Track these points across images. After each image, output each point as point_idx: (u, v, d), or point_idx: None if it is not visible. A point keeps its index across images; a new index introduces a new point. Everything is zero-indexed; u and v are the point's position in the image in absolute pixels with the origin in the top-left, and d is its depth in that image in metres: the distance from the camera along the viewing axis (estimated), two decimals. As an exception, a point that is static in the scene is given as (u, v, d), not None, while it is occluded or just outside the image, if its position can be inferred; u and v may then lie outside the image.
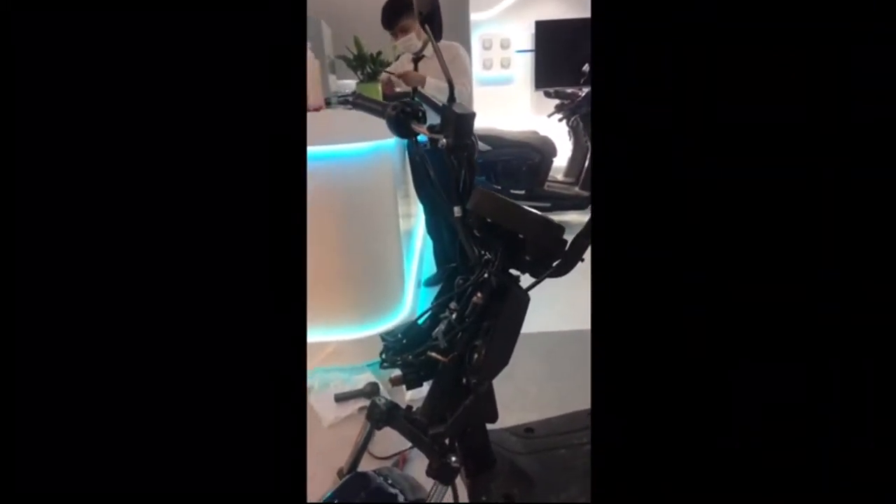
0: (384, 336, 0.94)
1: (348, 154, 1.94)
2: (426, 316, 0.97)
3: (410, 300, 2.36)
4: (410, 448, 1.98)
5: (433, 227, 2.71)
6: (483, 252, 0.87)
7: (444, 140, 0.83)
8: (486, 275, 0.83)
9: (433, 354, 0.86)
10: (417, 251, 2.84)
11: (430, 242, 2.89)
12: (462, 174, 0.89)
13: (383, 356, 0.92)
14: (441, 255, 2.77)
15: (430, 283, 2.82)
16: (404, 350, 0.89)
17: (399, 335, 0.90)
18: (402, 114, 0.89)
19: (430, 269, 2.92)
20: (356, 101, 0.94)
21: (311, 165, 1.89)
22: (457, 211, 0.92)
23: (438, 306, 0.95)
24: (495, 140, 3.41)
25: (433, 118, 0.92)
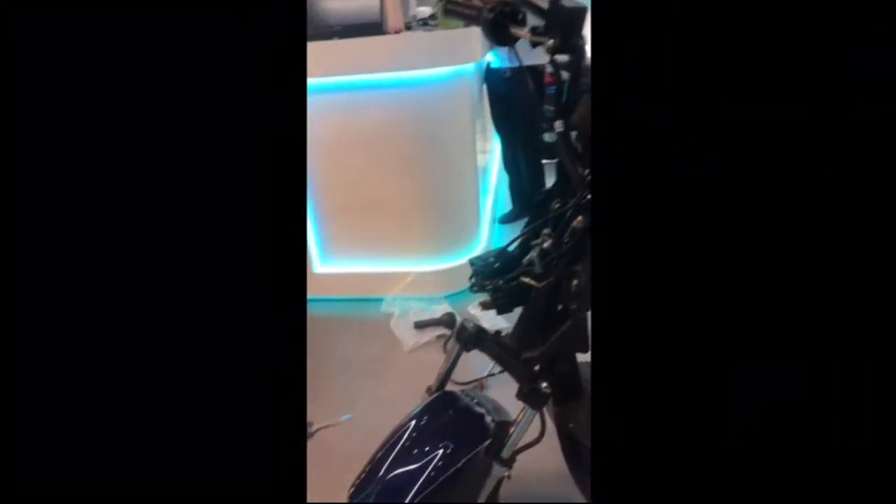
0: (473, 261, 0.91)
1: (427, 80, 1.85)
2: (516, 243, 0.92)
3: (486, 236, 2.33)
4: (487, 376, 2.02)
5: (510, 161, 2.60)
6: (586, 171, 0.79)
7: (550, 42, 0.73)
8: (587, 196, 0.76)
9: (526, 280, 0.82)
10: (492, 188, 2.76)
11: (504, 179, 2.80)
12: (567, 83, 0.79)
13: (472, 280, 0.89)
14: (517, 190, 2.68)
15: (505, 220, 2.76)
16: (495, 275, 0.86)
17: (491, 259, 0.87)
18: (500, 16, 0.80)
19: (505, 206, 2.84)
20: (448, 7, 0.85)
21: (388, 92, 1.83)
22: (558, 125, 0.83)
23: (530, 232, 0.90)
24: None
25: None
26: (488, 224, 2.44)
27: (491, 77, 2.33)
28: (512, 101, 2.31)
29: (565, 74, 0.78)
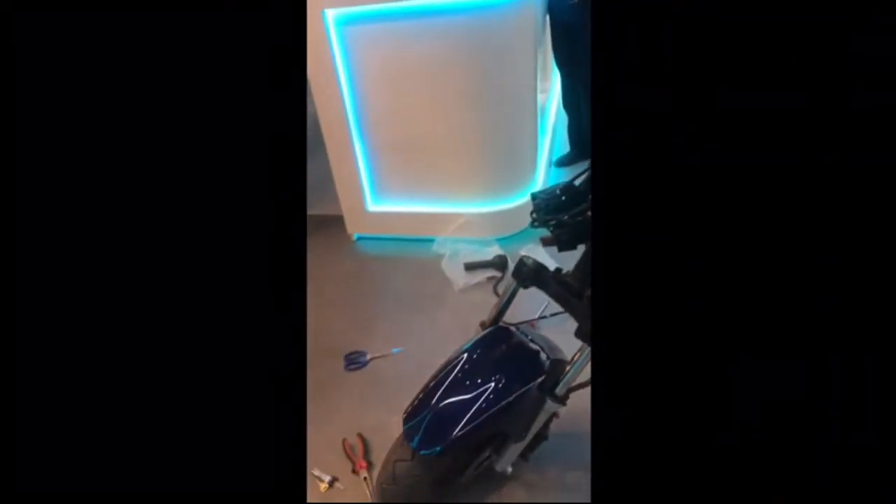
0: (536, 194, 0.86)
1: (485, 5, 1.72)
2: (583, 177, 0.86)
3: (542, 180, 2.23)
4: (540, 318, 2.01)
5: (570, 100, 2.44)
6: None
7: None
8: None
9: (590, 214, 0.77)
10: (550, 129, 2.62)
11: (563, 120, 2.64)
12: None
13: (534, 216, 0.85)
14: (577, 132, 2.53)
15: (562, 163, 2.63)
16: (559, 209, 0.81)
17: (556, 192, 0.82)
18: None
19: (562, 149, 2.70)
20: None
21: (443, 20, 1.73)
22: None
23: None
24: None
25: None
26: (545, 167, 2.33)
27: (555, 5, 2.14)
28: (576, 33, 2.13)
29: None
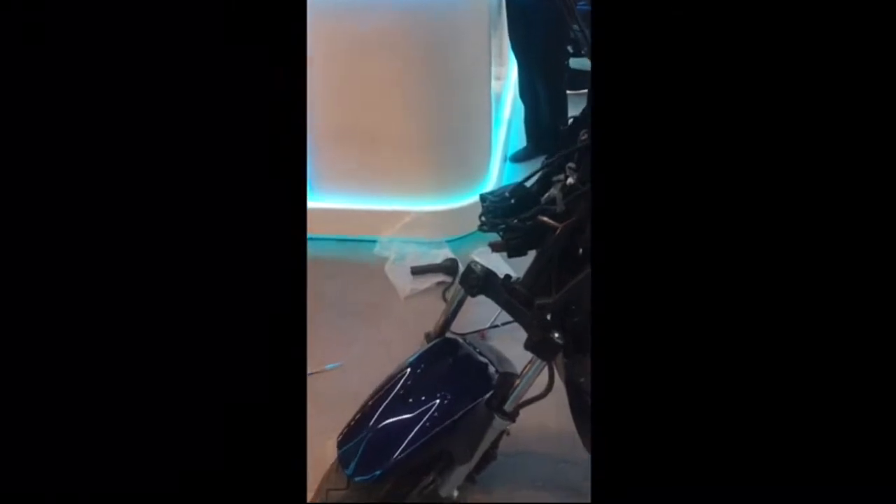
0: (486, 196, 0.89)
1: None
2: (535, 178, 0.91)
3: (496, 175, 2.29)
4: (490, 327, 2.04)
5: (528, 90, 2.52)
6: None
7: None
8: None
9: (545, 219, 0.81)
10: (506, 120, 2.69)
11: (520, 110, 2.72)
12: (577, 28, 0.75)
13: (483, 219, 0.88)
14: (534, 124, 2.61)
15: (518, 158, 2.70)
16: (510, 213, 0.85)
17: (505, 194, 0.85)
18: None
19: (518, 142, 2.78)
20: None
21: (392, -1, 1.74)
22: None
23: (550, 167, 0.88)
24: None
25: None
26: (499, 162, 2.40)
27: None
28: (534, 18, 2.20)
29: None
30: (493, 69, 2.18)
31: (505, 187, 0.90)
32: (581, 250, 0.81)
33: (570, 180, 0.83)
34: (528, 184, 0.90)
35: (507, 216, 0.85)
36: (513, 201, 0.84)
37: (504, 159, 2.54)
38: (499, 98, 2.74)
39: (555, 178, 0.89)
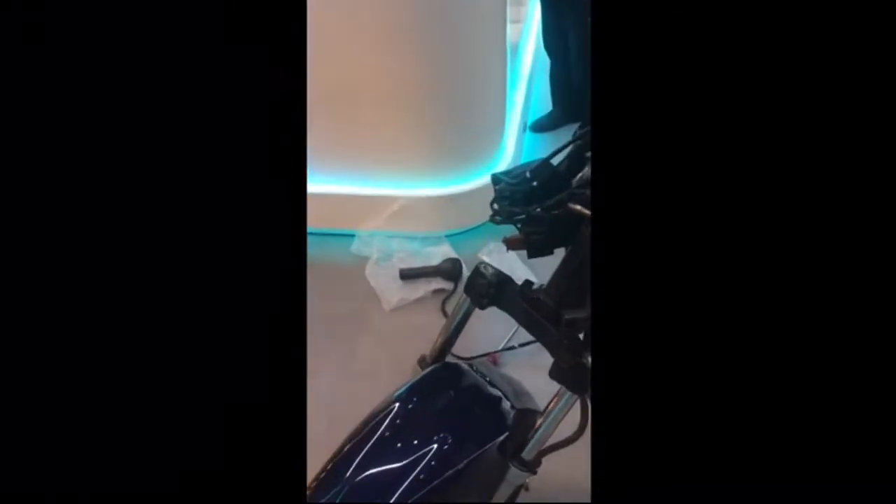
0: (499, 177, 0.90)
1: None
2: (564, 153, 0.91)
3: (511, 149, 2.30)
4: (505, 349, 2.08)
5: (554, 38, 2.53)
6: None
7: None
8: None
9: (576, 207, 0.81)
10: (525, 78, 2.70)
11: (543, 66, 2.73)
12: None
13: (495, 206, 0.88)
14: (562, 82, 2.63)
15: (541, 126, 2.73)
16: (530, 198, 0.85)
17: (526, 175, 0.86)
18: None
19: (542, 107, 2.79)
20: None
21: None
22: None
23: (584, 139, 0.88)
24: None
25: None
26: (516, 132, 2.40)
27: None
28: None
29: None
30: (509, 10, 2.18)
31: (524, 165, 0.90)
32: (624, 248, 0.81)
33: None
34: (555, 161, 0.90)
35: (526, 203, 0.85)
36: (534, 184, 0.84)
37: (523, 128, 2.56)
38: (515, 48, 2.75)
39: (589, 154, 0.89)
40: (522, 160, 2.45)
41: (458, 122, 2.09)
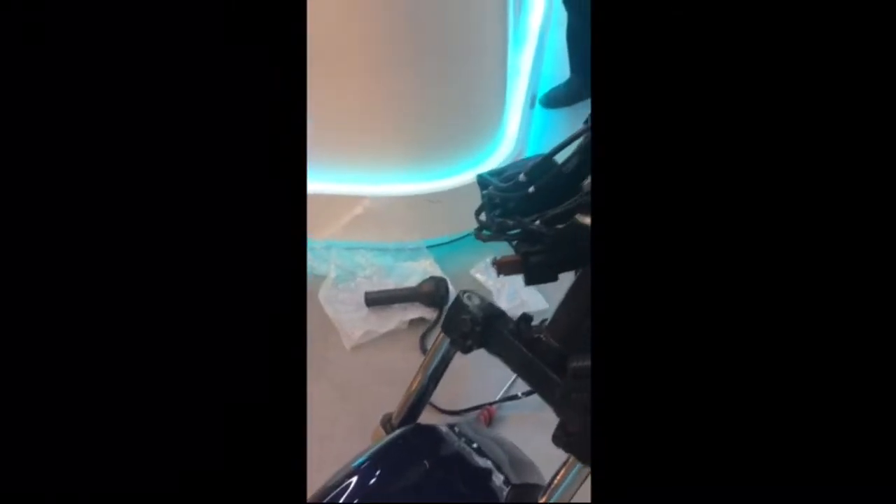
0: (486, 179, 0.92)
1: None
2: (572, 148, 0.93)
3: (515, 130, 2.33)
4: (501, 401, 2.10)
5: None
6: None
7: None
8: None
9: (585, 220, 0.84)
10: (534, 33, 2.74)
11: (559, 19, 2.77)
12: None
13: (482, 218, 0.91)
14: (582, 40, 2.66)
15: (553, 100, 2.77)
16: (526, 209, 0.87)
17: (520, 178, 0.88)
18: None
19: (557, 76, 2.83)
20: None
21: None
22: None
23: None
24: None
25: None
26: (521, 106, 2.44)
27: None
28: None
29: None
30: None
31: (518, 164, 0.92)
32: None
33: None
34: (560, 158, 0.92)
35: (522, 214, 0.87)
36: (531, 189, 0.87)
37: (531, 102, 2.60)
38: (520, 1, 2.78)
39: None
40: (529, 147, 2.49)
41: (439, 95, 2.11)
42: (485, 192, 0.91)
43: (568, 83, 2.78)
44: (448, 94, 2.12)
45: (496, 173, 0.92)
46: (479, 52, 2.15)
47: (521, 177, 0.87)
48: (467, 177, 2.16)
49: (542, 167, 0.90)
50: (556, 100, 2.77)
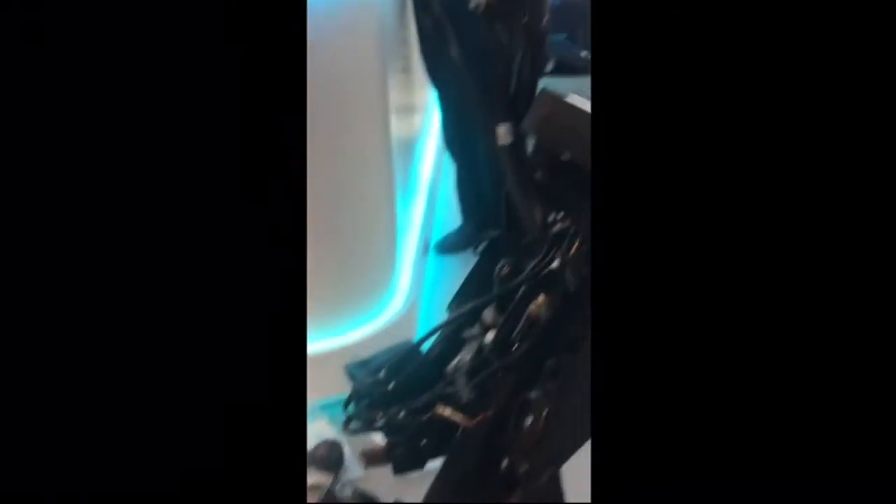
0: (354, 370, 0.97)
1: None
2: (436, 335, 0.99)
3: (407, 282, 2.40)
4: None
5: (457, 138, 2.70)
6: (552, 215, 0.89)
7: None
8: (556, 261, 0.86)
9: (445, 411, 0.89)
10: (425, 183, 2.85)
11: (448, 166, 2.90)
12: (516, 61, 0.89)
13: (351, 409, 0.95)
14: (471, 192, 2.77)
15: (447, 246, 2.86)
16: (392, 399, 0.92)
17: (385, 370, 0.93)
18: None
19: (449, 220, 2.95)
20: None
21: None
22: (503, 132, 0.93)
23: (461, 317, 0.97)
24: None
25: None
26: (414, 255, 2.52)
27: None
28: (451, 48, 2.39)
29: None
30: (402, 94, 2.28)
31: (386, 354, 0.98)
32: (505, 461, 0.87)
33: (487, 340, 0.90)
34: (426, 346, 0.98)
35: (387, 405, 0.91)
36: (391, 384, 0.92)
37: (424, 250, 2.66)
38: (410, 145, 2.90)
39: (467, 335, 0.96)
40: (425, 293, 2.53)
41: (327, 252, 2.13)
42: (354, 381, 0.96)
43: (460, 229, 2.86)
44: (336, 250, 2.17)
45: (363, 364, 0.97)
46: (365, 205, 2.21)
47: (383, 373, 0.93)
48: (361, 332, 2.19)
49: (406, 357, 0.96)
50: (450, 246, 2.84)
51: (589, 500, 0.65)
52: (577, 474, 0.91)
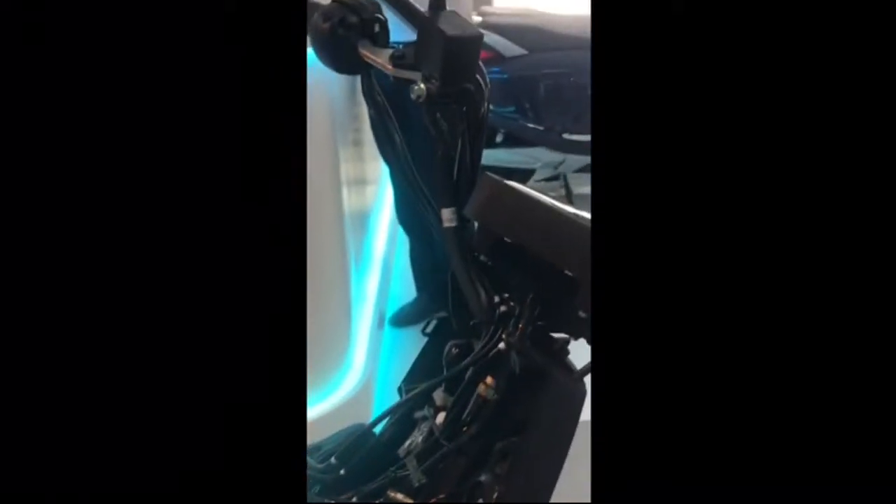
0: (316, 451, 0.97)
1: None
2: (387, 419, 1.00)
3: (362, 359, 2.40)
4: None
5: (408, 210, 2.74)
6: (498, 298, 0.91)
7: (423, 85, 0.86)
8: (501, 343, 0.88)
9: (396, 496, 0.90)
10: (378, 255, 2.88)
11: (403, 237, 2.93)
12: (458, 148, 0.93)
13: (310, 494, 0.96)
14: (425, 264, 2.80)
15: (403, 319, 2.88)
16: (345, 486, 0.93)
17: (336, 455, 0.94)
18: (341, 28, 0.92)
19: (404, 292, 2.96)
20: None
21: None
22: (447, 216, 0.96)
23: (412, 399, 0.98)
24: (538, 35, 3.41)
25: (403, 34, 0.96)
26: (369, 329, 2.53)
27: (366, 83, 2.44)
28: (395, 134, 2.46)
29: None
30: (353, 167, 2.31)
31: (338, 437, 0.99)
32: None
33: (437, 422, 0.91)
34: (378, 428, 0.99)
35: (339, 492, 0.92)
36: (344, 470, 0.92)
37: (380, 323, 2.68)
38: (363, 219, 2.94)
39: (418, 416, 0.98)
40: (381, 366, 2.54)
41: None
42: (309, 472, 0.96)
43: (415, 301, 2.89)
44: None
45: (315, 449, 0.98)
46: (319, 278, 2.22)
47: (333, 460, 0.94)
48: (318, 410, 2.18)
49: (359, 441, 0.97)
50: (406, 319, 2.86)
51: (589, 501, 0.66)
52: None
